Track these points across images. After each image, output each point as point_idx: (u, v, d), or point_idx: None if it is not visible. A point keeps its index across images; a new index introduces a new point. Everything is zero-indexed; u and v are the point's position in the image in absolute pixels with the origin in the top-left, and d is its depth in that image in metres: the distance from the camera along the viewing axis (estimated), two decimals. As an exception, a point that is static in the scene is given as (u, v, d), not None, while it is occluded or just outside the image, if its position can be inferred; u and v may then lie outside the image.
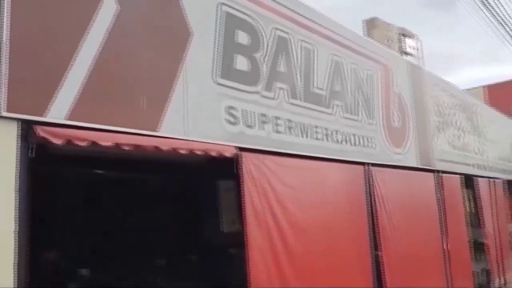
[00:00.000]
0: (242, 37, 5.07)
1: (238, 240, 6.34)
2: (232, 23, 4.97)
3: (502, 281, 11.07)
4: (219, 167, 5.77)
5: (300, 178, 5.58)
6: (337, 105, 6.43)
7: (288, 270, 5.05)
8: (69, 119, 3.38)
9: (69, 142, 3.26)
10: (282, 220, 5.12)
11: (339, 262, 5.92)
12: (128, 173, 6.21)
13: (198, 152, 4.30)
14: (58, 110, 3.35)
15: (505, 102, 22.33)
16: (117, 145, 3.60)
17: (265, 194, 4.98)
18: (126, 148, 3.67)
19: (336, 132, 6.30)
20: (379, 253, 6.70)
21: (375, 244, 6.67)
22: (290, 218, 5.22)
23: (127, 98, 3.88)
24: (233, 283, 5.75)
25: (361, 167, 6.74)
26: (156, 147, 3.92)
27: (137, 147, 3.76)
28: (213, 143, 4.48)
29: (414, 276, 7.42)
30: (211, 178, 6.14)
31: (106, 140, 3.52)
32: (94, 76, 3.59)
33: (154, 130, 3.99)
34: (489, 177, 11.59)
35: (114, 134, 3.61)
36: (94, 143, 3.43)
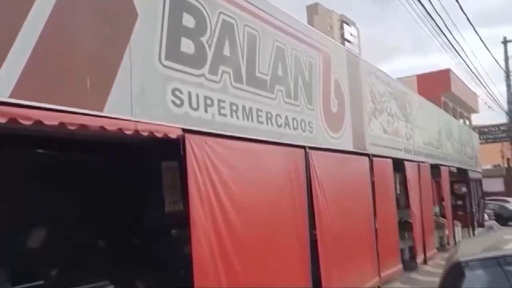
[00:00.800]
0: (189, 20, 5.12)
1: (181, 220, 6.50)
2: (178, 6, 5.00)
3: (424, 258, 12.03)
4: (161, 147, 5.86)
5: (243, 160, 5.77)
6: (279, 90, 6.66)
7: (231, 248, 5.25)
8: (13, 97, 3.32)
9: (13, 120, 3.22)
10: (225, 200, 5.30)
11: (278, 240, 6.22)
12: (67, 153, 6.10)
13: (144, 133, 4.35)
14: (1, 88, 3.29)
15: (434, 90, 23.84)
16: (63, 124, 3.58)
17: (209, 175, 5.12)
18: (72, 127, 3.66)
19: (278, 116, 6.54)
20: (315, 232, 7.10)
21: (313, 224, 7.05)
22: (233, 198, 5.41)
23: (72, 77, 3.84)
24: (177, 263, 5.89)
25: (301, 150, 7.05)
26: (102, 127, 3.93)
27: (82, 126, 3.76)
28: (158, 124, 4.54)
29: (346, 253, 7.93)
30: (154, 159, 6.17)
31: (51, 119, 3.49)
32: (37, 55, 3.53)
33: (100, 110, 3.99)
34: (417, 161, 12.45)
35: (59, 113, 3.59)
36: (39, 122, 3.40)
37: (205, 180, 5.05)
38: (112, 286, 5.08)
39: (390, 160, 10.59)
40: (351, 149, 8.72)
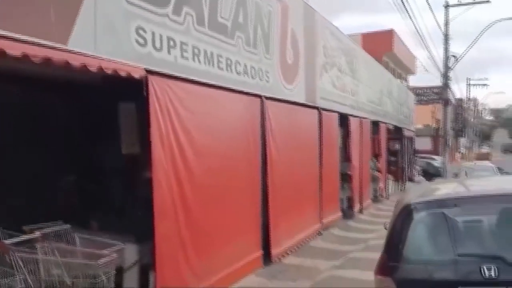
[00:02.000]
0: (153, -44, 4.89)
1: (137, 163, 6.46)
2: None
3: (360, 207, 12.82)
4: (119, 88, 5.71)
5: (203, 105, 5.76)
6: (239, 37, 6.61)
7: (189, 191, 5.34)
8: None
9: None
10: (185, 144, 5.33)
11: (233, 185, 6.39)
12: (15, 90, 5.77)
13: (107, 71, 4.21)
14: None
15: (377, 50, 24.46)
16: (26, 56, 3.39)
17: (170, 118, 5.09)
18: (35, 60, 3.47)
19: (238, 63, 6.53)
20: (267, 179, 7.34)
21: (264, 171, 7.27)
22: (192, 143, 5.45)
23: (35, 6, 3.61)
24: (134, 205, 5.91)
25: (257, 100, 7.13)
26: (66, 62, 3.76)
27: (46, 60, 3.58)
28: (122, 63, 4.40)
29: (293, 200, 8.30)
30: (108, 100, 5.99)
31: (14, 49, 3.29)
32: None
33: (64, 43, 3.80)
34: (360, 117, 12.98)
35: (23, 44, 3.39)
36: (0, 52, 3.20)
37: (166, 123, 5.02)
38: (68, 225, 5.02)
39: (336, 115, 10.97)
40: (303, 101, 8.92)
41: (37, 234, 4.54)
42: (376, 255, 7.98)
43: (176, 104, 5.18)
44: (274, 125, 7.53)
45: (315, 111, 9.65)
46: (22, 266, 4.09)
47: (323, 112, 9.96)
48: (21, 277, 3.97)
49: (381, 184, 16.15)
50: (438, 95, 39.62)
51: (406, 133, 21.21)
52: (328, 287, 6.13)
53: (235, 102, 6.57)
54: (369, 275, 6.65)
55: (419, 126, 36.63)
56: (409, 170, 21.67)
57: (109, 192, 6.42)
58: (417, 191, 4.56)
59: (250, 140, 6.92)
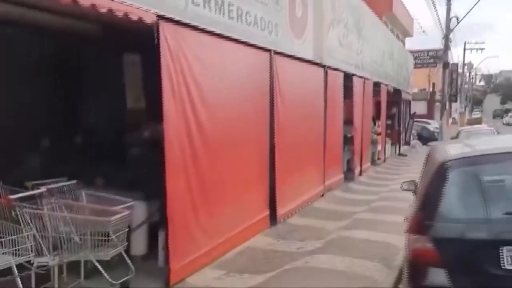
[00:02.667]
0: None
1: (144, 117, 6.16)
2: None
3: (360, 170, 12.70)
4: (123, 38, 5.34)
5: (214, 56, 5.43)
6: (249, -15, 6.20)
7: (200, 146, 5.08)
8: None
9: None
10: (196, 97, 5.03)
11: (242, 141, 6.15)
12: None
13: (118, 13, 3.85)
14: None
15: (376, 10, 23.77)
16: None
17: (181, 69, 4.77)
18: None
19: (248, 13, 6.14)
20: (273, 137, 7.10)
21: (272, 130, 7.02)
22: (202, 95, 5.15)
23: None
24: (141, 162, 5.66)
25: (266, 54, 6.79)
26: (74, 1, 3.40)
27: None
28: (134, 6, 4.03)
29: (299, 161, 8.10)
30: (114, 51, 5.62)
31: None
32: None
33: (72, -19, 3.43)
34: (363, 77, 12.67)
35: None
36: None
37: (177, 74, 4.70)
38: (74, 182, 4.77)
39: (341, 74, 10.66)
40: (310, 58, 8.58)
41: (42, 189, 4.29)
42: (380, 216, 8.05)
43: (187, 53, 4.85)
44: (282, 82, 7.22)
45: (321, 69, 9.33)
46: (30, 222, 3.85)
47: (329, 71, 9.64)
48: (29, 234, 3.72)
49: (380, 147, 16.03)
50: (434, 58, 39.35)
51: (404, 96, 20.98)
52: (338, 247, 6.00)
53: (245, 55, 6.23)
54: (378, 236, 6.67)
55: (415, 90, 36.47)
56: (406, 133, 21.57)
57: (115, 148, 6.14)
58: (451, 148, 4.33)
59: (259, 97, 6.63)
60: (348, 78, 11.21)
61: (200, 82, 5.10)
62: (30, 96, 6.19)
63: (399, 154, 19.61)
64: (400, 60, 19.78)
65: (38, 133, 6.21)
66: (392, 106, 19.82)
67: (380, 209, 8.48)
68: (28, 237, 3.64)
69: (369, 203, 9.02)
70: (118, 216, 3.93)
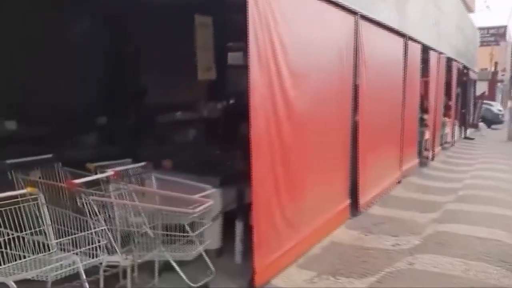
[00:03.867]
0: None
1: (215, 90, 5.41)
2: None
3: (432, 154, 11.55)
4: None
5: (302, 19, 4.58)
6: None
7: (285, 123, 4.26)
8: None
9: None
10: (283, 67, 4.20)
11: (326, 118, 5.31)
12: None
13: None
14: None
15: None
16: None
17: (269, 33, 3.95)
18: None
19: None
20: (357, 115, 6.22)
21: (355, 107, 6.14)
22: (289, 64, 4.30)
23: None
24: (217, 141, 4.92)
25: (351, 17, 5.86)
26: None
27: None
28: None
29: (379, 142, 7.19)
30: (182, 11, 4.85)
31: None
32: None
33: None
34: (438, 51, 11.44)
35: None
36: None
37: (265, 40, 3.88)
38: (142, 164, 4.10)
39: (420, 46, 9.52)
40: (394, 26, 7.52)
41: (109, 172, 3.61)
42: (475, 208, 6.99)
43: (276, 16, 4.01)
44: (367, 52, 6.28)
45: (401, 39, 8.26)
46: (98, 213, 3.18)
47: (409, 42, 8.55)
48: (102, 228, 3.04)
49: (448, 130, 14.72)
50: (495, 36, 36.66)
51: (471, 75, 19.34)
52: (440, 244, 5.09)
53: (331, 18, 5.34)
54: (482, 231, 5.66)
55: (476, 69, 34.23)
56: (474, 115, 19.97)
57: (182, 126, 5.43)
58: None
59: (344, 68, 5.75)
60: (424, 51, 10.05)
61: (287, 49, 4.26)
62: (90, 67, 5.60)
63: (465, 137, 18.15)
64: (470, 35, 18.15)
65: (98, 110, 5.61)
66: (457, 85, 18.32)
67: (470, 199, 7.45)
68: (99, 233, 2.95)
69: (455, 192, 7.98)
70: (202, 207, 3.18)
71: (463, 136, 18.05)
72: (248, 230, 4.27)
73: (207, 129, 5.45)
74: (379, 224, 5.88)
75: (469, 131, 19.39)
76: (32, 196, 2.94)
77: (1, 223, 2.73)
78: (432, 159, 11.51)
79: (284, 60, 4.21)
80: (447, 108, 14.60)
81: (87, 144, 6.08)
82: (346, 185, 6.05)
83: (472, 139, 17.99)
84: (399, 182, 8.44)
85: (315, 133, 5.01)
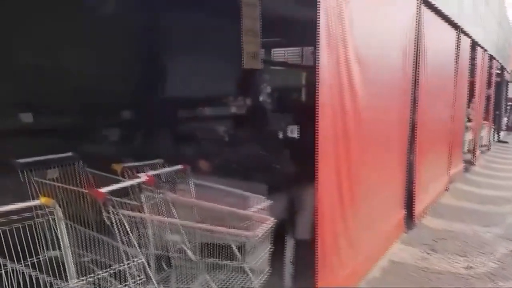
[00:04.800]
0: None
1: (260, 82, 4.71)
2: None
3: (473, 158, 10.71)
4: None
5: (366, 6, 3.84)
6: None
7: (351, 123, 3.54)
8: None
9: None
10: (352, 58, 3.47)
11: (386, 116, 4.55)
12: None
13: None
14: None
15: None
16: None
17: (341, 18, 3.22)
18: None
19: None
20: (416, 117, 5.45)
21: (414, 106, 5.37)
22: (358, 57, 3.57)
23: None
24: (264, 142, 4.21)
25: (413, 3, 5.10)
26: None
27: None
28: None
29: (432, 145, 6.44)
30: None
31: None
32: None
33: None
34: (483, 48, 10.57)
35: None
36: None
37: (336, 25, 3.15)
38: (179, 167, 3.40)
39: (469, 41, 8.69)
40: (450, 14, 6.70)
41: (142, 177, 2.91)
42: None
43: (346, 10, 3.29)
44: (427, 45, 5.52)
45: (454, 32, 7.44)
46: (129, 231, 2.48)
47: (461, 35, 7.73)
48: (135, 260, 2.32)
49: (485, 132, 13.80)
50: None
51: (506, 75, 18.35)
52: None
53: (398, 7, 4.60)
54: None
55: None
56: (509, 117, 18.97)
57: (222, 123, 4.74)
58: None
59: (406, 61, 4.97)
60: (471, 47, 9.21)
61: (356, 36, 3.52)
62: (115, 56, 4.93)
63: (499, 140, 17.18)
64: (507, 32, 17.14)
65: (125, 102, 4.95)
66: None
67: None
68: (137, 265, 2.24)
69: (509, 201, 7.17)
70: (264, 227, 2.46)
71: (496, 139, 17.10)
72: (298, 247, 3.60)
73: (247, 126, 4.73)
74: (440, 240, 5.12)
75: (502, 134, 18.43)
76: (48, 210, 2.25)
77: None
78: (473, 163, 10.66)
79: (354, 54, 3.49)
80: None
81: (109, 140, 5.44)
82: (402, 192, 5.29)
83: (506, 142, 17.05)
84: (446, 189, 7.64)
85: (375, 133, 4.27)
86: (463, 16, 7.76)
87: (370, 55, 3.88)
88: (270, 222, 2.48)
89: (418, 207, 5.62)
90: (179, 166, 3.39)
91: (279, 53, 10.87)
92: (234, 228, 2.83)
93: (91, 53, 4.60)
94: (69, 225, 2.40)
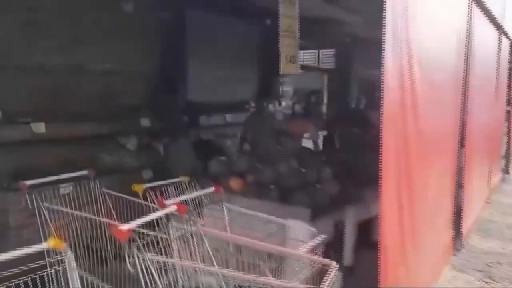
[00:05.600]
0: None
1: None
2: None
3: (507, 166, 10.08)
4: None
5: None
6: None
7: (411, 130, 3.04)
8: None
9: None
10: (414, 60, 2.98)
11: (440, 124, 4.05)
12: None
13: None
14: None
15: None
16: None
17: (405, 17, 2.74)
18: None
19: None
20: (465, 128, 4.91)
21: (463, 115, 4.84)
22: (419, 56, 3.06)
23: None
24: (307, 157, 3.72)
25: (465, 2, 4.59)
26: None
27: None
28: None
29: (479, 150, 5.90)
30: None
31: None
32: None
33: None
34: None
35: None
36: None
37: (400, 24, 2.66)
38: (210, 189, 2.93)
39: (509, 43, 8.12)
40: (495, 14, 6.15)
41: (171, 205, 2.43)
42: None
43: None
44: (477, 48, 4.99)
45: (496, 32, 6.87)
46: (158, 280, 2.00)
47: (502, 36, 7.16)
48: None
49: None
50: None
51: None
52: None
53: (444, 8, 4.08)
54: None
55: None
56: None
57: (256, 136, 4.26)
58: None
59: (457, 67, 4.45)
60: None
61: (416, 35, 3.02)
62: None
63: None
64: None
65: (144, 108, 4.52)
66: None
67: None
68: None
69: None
70: (329, 280, 1.95)
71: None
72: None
73: (283, 137, 4.25)
74: (495, 265, 4.57)
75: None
76: (57, 257, 1.79)
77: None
78: (508, 171, 10.02)
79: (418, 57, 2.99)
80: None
81: (126, 150, 5.01)
82: (450, 210, 4.76)
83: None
84: (487, 202, 7.06)
85: (435, 144, 3.78)
86: (505, 17, 7.19)
87: (429, 57, 3.39)
88: (333, 268, 1.98)
89: (466, 225, 5.08)
90: (211, 189, 2.91)
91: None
92: (277, 268, 2.37)
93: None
94: (84, 278, 1.94)
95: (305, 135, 5.25)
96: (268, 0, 4.00)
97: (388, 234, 2.64)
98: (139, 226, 2.14)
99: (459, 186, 4.84)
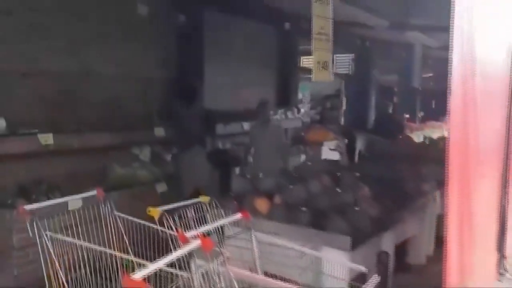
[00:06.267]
0: None
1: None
2: None
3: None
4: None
5: None
6: None
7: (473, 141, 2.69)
8: None
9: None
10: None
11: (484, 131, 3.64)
12: None
13: None
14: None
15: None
16: None
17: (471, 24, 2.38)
18: None
19: None
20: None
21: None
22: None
23: None
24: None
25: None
26: None
27: None
28: None
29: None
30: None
31: None
32: None
33: None
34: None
35: None
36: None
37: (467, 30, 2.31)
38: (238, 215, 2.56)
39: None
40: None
41: (194, 240, 2.05)
42: None
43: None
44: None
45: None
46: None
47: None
48: None
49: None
50: None
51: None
52: None
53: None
54: None
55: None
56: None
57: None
58: None
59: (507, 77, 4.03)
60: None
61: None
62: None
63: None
64: None
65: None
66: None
67: None
68: None
69: None
70: None
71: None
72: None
73: (305, 149, 3.86)
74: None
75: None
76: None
77: None
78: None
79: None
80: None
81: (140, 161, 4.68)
82: (494, 232, 4.31)
83: None
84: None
85: (489, 155, 3.39)
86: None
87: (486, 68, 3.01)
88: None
89: (510, 247, 4.63)
90: (238, 215, 2.53)
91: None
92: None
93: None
94: None
95: (330, 145, 4.84)
96: (288, 2, 3.68)
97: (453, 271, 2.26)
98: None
99: (504, 202, 4.40)
